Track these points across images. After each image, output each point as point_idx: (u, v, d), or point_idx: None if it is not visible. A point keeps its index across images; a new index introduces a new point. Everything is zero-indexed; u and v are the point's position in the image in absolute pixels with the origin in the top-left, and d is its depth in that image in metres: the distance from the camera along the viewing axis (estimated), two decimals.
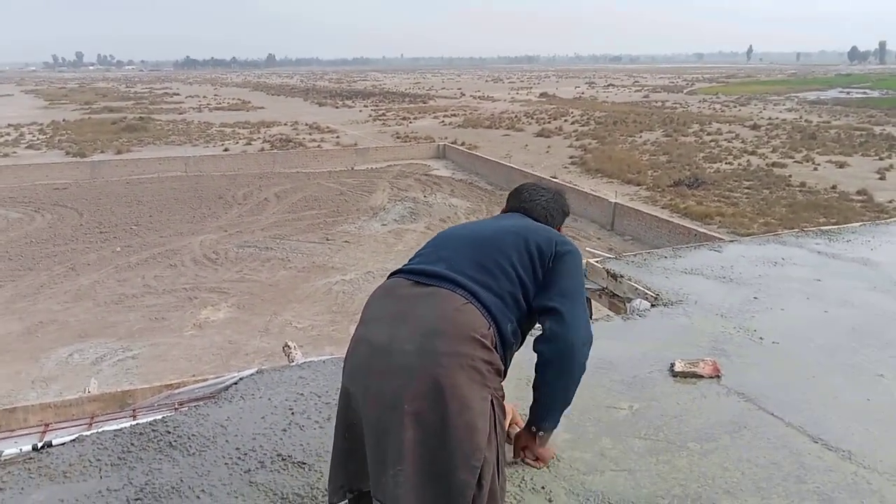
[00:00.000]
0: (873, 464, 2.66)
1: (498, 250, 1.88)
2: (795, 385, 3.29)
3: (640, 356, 3.62)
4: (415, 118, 53.29)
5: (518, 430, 2.47)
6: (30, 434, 3.06)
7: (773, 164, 29.54)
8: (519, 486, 2.55)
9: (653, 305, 4.41)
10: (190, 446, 2.82)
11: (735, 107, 58.83)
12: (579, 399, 3.18)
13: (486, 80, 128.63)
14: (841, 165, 29.38)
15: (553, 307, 1.88)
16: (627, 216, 20.74)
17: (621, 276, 4.89)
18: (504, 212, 2.28)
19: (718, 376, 3.35)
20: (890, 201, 22.54)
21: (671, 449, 2.76)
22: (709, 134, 39.74)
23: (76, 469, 2.67)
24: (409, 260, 1.97)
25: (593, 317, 5.18)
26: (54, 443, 2.84)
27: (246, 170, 31.04)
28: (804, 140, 36.37)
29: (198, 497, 2.50)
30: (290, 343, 4.01)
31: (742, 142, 36.42)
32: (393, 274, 1.91)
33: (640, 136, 39.72)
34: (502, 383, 1.80)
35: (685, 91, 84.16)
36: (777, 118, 47.58)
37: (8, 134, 43.58)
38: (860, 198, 23.29)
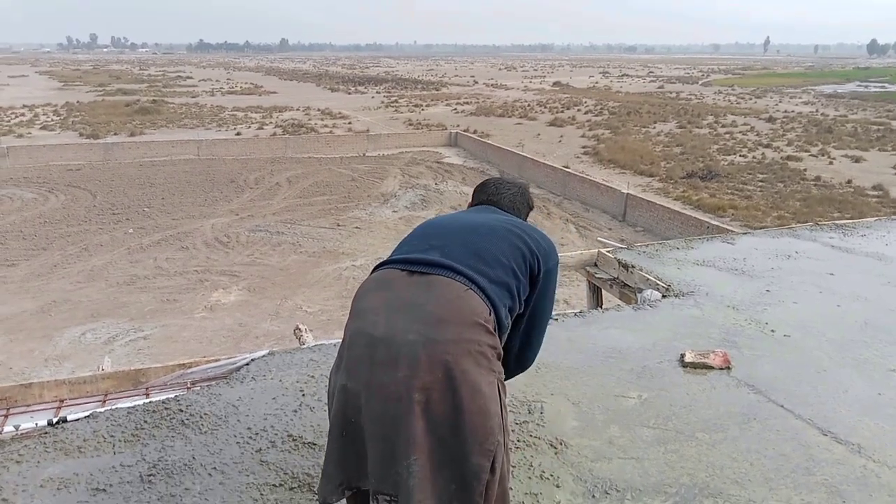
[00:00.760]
0: (883, 458, 2.66)
1: (492, 241, 1.87)
2: (806, 378, 3.29)
3: (650, 346, 3.62)
4: (427, 105, 53.14)
5: None
6: (45, 409, 3.10)
7: (788, 158, 29.28)
8: (527, 472, 2.57)
9: (664, 296, 4.40)
10: (202, 425, 2.86)
11: (751, 99, 58.26)
12: (588, 387, 3.20)
13: (500, 68, 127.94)
14: (857, 160, 29.08)
15: (529, 340, 2.07)
16: (639, 207, 20.65)
17: (632, 267, 4.88)
18: (471, 206, 2.27)
19: (728, 368, 3.34)
20: None
21: (680, 438, 2.77)
22: (723, 126, 39.40)
23: (90, 444, 2.71)
24: (395, 250, 1.91)
25: (603, 306, 5.19)
26: (69, 418, 2.88)
27: (258, 154, 31.09)
28: (820, 134, 36.00)
29: (209, 474, 2.53)
30: (300, 326, 4.04)
31: (757, 134, 36.09)
32: (381, 265, 1.87)
33: (654, 127, 39.44)
34: None
35: (700, 82, 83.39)
36: (793, 111, 47.09)
37: (23, 115, 43.84)
38: (876, 193, 23.06)
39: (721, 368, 3.33)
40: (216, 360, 3.40)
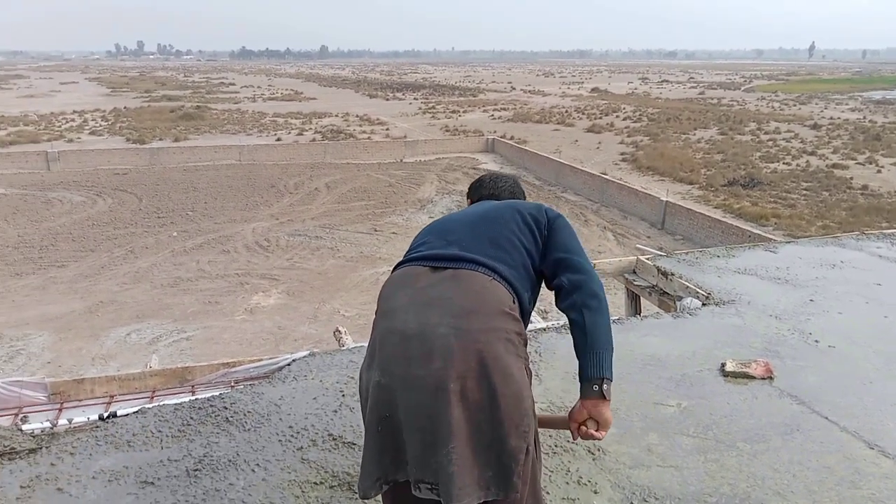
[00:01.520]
0: None
1: (501, 226, 1.94)
2: (851, 389, 3.22)
3: (689, 354, 3.59)
4: (464, 111, 53.28)
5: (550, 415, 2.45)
6: (96, 404, 3.22)
7: (834, 166, 28.54)
8: (564, 478, 2.57)
9: (704, 304, 4.35)
10: (245, 422, 2.93)
11: (795, 105, 56.98)
12: (626, 394, 3.19)
13: (538, 74, 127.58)
14: None
15: (566, 259, 1.94)
16: (679, 215, 20.36)
17: (672, 274, 4.83)
18: (472, 203, 2.32)
19: (771, 378, 3.29)
20: None
21: (720, 448, 2.74)
22: (766, 133, 38.62)
23: (139, 439, 2.81)
24: (411, 250, 1.97)
25: (641, 313, 5.15)
26: (119, 413, 2.99)
27: (297, 160, 31.57)
28: (868, 141, 35.00)
29: (253, 471, 2.60)
30: (340, 328, 4.10)
31: (801, 142, 35.28)
32: (402, 263, 1.92)
33: (694, 134, 38.86)
34: None
35: (743, 88, 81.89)
36: (839, 118, 45.90)
37: (73, 120, 45.32)
38: None
39: (763, 378, 3.28)
40: (259, 360, 3.48)
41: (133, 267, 16.63)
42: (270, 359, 3.42)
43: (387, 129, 41.77)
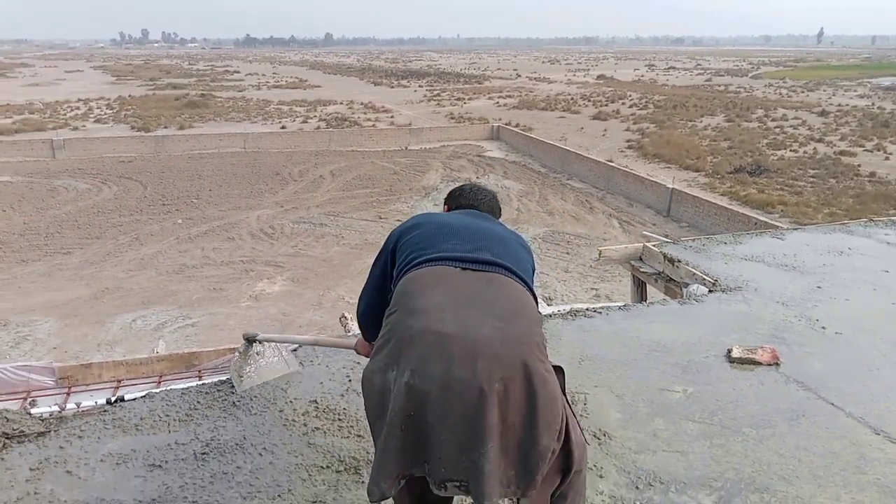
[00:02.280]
0: None
1: (514, 245, 1.96)
2: (858, 376, 3.21)
3: (695, 341, 3.58)
4: (469, 99, 53.07)
5: None
6: (104, 389, 3.24)
7: (842, 153, 28.37)
8: None
9: (710, 291, 4.34)
10: (252, 407, 2.94)
11: (803, 92, 56.57)
12: (632, 380, 3.19)
13: (543, 61, 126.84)
14: None
15: None
16: (685, 202, 20.29)
17: (678, 261, 4.82)
18: (450, 210, 2.29)
19: (777, 364, 3.29)
20: None
21: (726, 433, 2.74)
22: (773, 120, 38.37)
23: (147, 423, 2.82)
24: (421, 249, 1.89)
25: (647, 299, 5.14)
26: (126, 397, 3.00)
27: (302, 147, 31.53)
28: (876, 128, 34.75)
29: (260, 454, 2.61)
30: (346, 314, 4.10)
31: (809, 129, 35.05)
32: (426, 262, 1.84)
33: (701, 121, 38.64)
34: None
35: (750, 75, 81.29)
36: (847, 105, 45.56)
37: (78, 108, 45.33)
38: None
39: (769, 364, 3.28)
40: None
41: (138, 254, 16.69)
42: None
43: (391, 117, 41.67)
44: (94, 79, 76.89)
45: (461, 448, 1.60)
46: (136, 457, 2.60)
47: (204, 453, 2.61)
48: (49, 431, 2.77)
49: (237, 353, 2.86)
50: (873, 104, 46.08)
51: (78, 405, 2.98)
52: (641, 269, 5.09)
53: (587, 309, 4.04)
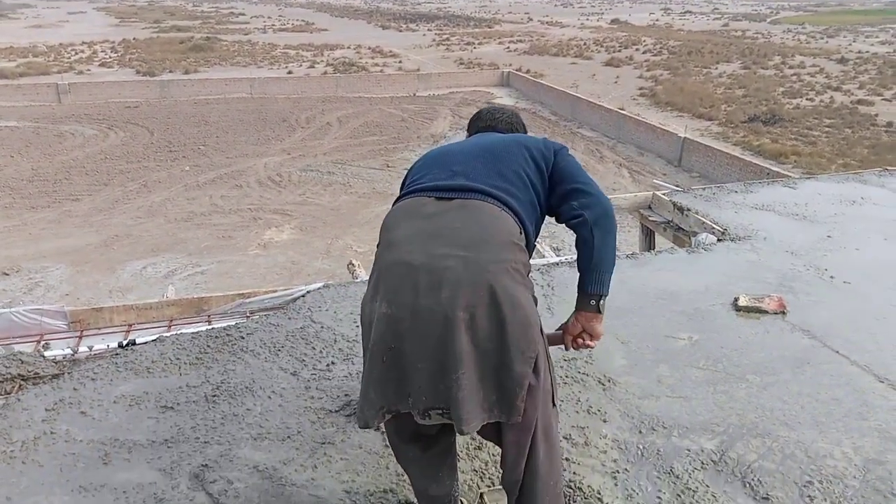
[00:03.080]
0: None
1: (508, 159, 1.93)
2: (864, 325, 3.21)
3: (702, 289, 3.58)
4: (479, 44, 51.97)
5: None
6: (115, 332, 3.29)
7: (859, 102, 27.76)
8: (574, 407, 2.61)
9: (719, 240, 4.32)
10: (260, 352, 2.98)
11: (822, 38, 55.02)
12: (637, 327, 3.20)
13: (556, 5, 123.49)
14: None
15: (576, 187, 1.94)
16: (696, 152, 20.02)
17: (688, 210, 4.78)
18: (470, 135, 2.28)
19: (784, 312, 3.29)
20: None
21: (729, 380, 2.77)
22: (790, 67, 37.47)
23: (158, 366, 2.87)
24: (415, 179, 1.95)
25: (655, 248, 5.13)
26: (138, 341, 3.05)
27: (309, 93, 31.13)
28: None
29: (269, 397, 2.66)
30: (353, 261, 4.12)
31: (826, 76, 34.24)
32: (407, 193, 1.90)
33: (716, 68, 37.78)
34: None
35: (769, 20, 79.02)
36: (868, 51, 44.34)
37: (82, 51, 44.73)
38: None
39: (776, 313, 3.28)
40: (273, 292, 3.52)
41: (147, 201, 16.71)
42: (285, 290, 3.46)
43: (399, 62, 40.93)
44: (98, 21, 75.62)
45: (433, 375, 1.64)
46: (149, 399, 2.65)
47: (214, 395, 2.67)
48: (63, 374, 2.83)
49: None
50: (895, 51, 44.83)
51: (90, 348, 3.03)
52: (650, 218, 5.06)
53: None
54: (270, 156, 20.77)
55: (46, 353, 3.05)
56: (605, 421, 2.52)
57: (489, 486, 2.18)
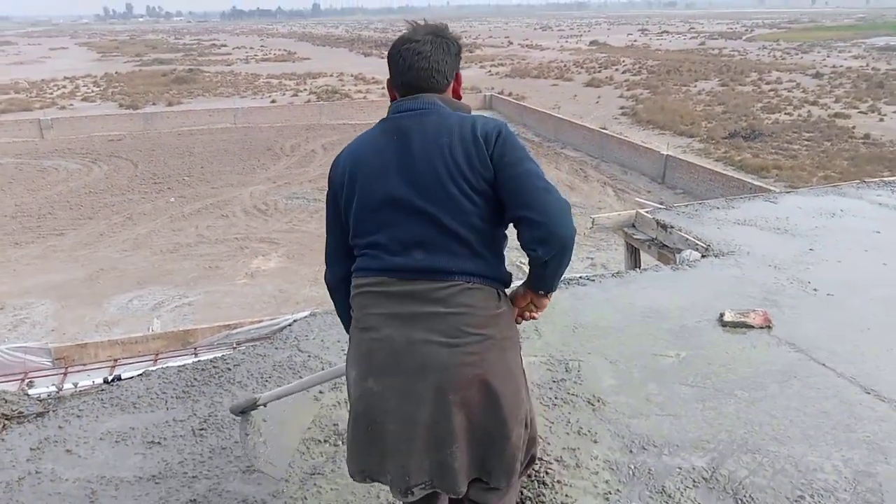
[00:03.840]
0: None
1: (442, 191, 1.63)
2: (849, 337, 3.24)
3: (688, 306, 3.60)
4: (461, 68, 52.45)
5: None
6: (100, 368, 3.25)
7: (836, 115, 28.27)
8: (565, 428, 2.61)
9: (703, 256, 4.35)
10: (248, 383, 2.96)
11: (797, 54, 56.14)
12: (625, 346, 3.21)
13: (535, 28, 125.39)
14: None
15: (525, 216, 1.62)
16: (679, 169, 20.26)
17: (671, 227, 4.83)
18: (396, 89, 1.85)
19: (769, 327, 3.31)
20: None
21: (718, 396, 2.77)
22: (767, 83, 38.14)
23: (144, 401, 2.84)
24: (359, 242, 1.71)
25: (641, 266, 5.16)
26: (123, 376, 3.01)
27: (293, 121, 31.25)
28: (870, 89, 34.59)
29: (258, 428, 2.63)
30: None
31: (803, 91, 34.88)
32: (365, 270, 1.69)
33: (695, 86, 38.38)
34: None
35: (744, 38, 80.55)
36: (842, 66, 45.26)
37: (64, 86, 44.72)
38: None
39: (761, 327, 3.30)
40: (259, 322, 3.50)
41: (132, 233, 16.63)
42: (271, 319, 3.44)
43: (383, 88, 41.23)
44: (80, 56, 75.73)
45: (421, 453, 1.62)
46: (135, 434, 2.62)
47: (202, 429, 2.64)
48: (48, 412, 2.79)
49: (239, 426, 2.61)
50: (867, 65, 45.80)
51: (75, 385, 2.99)
52: (635, 236, 5.10)
53: (580, 277, 4.05)
54: (256, 184, 20.78)
55: (31, 392, 3.01)
56: (595, 442, 2.52)
57: None
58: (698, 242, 4.51)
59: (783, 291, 3.75)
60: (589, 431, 2.57)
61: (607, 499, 2.23)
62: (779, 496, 2.21)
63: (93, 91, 42.28)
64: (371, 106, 33.48)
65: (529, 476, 2.31)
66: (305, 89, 41.69)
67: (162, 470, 2.41)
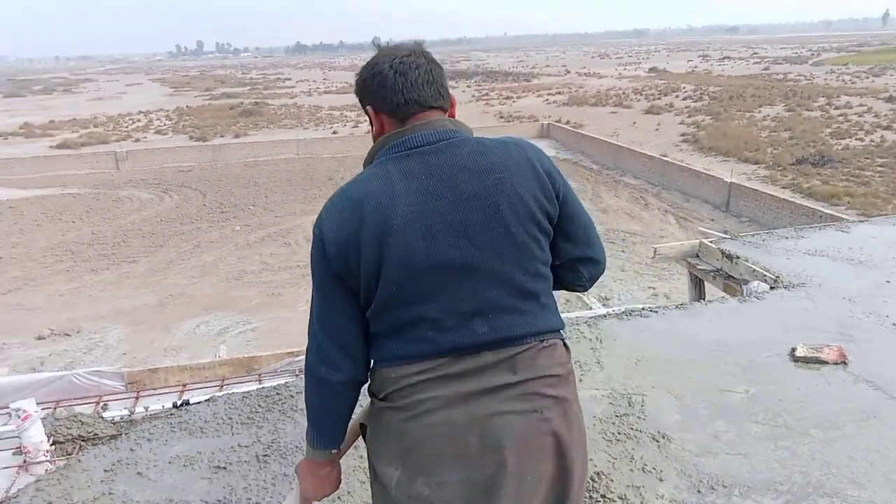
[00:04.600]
0: None
1: (509, 239, 1.40)
2: None
3: (757, 340, 3.48)
4: (518, 97, 52.81)
5: None
6: (170, 392, 3.36)
7: None
8: (629, 465, 2.54)
9: (772, 288, 4.21)
10: None
11: (868, 77, 54.16)
12: (691, 381, 3.12)
13: (592, 56, 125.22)
14: None
15: (590, 256, 1.55)
16: (744, 197, 19.70)
17: (737, 258, 4.69)
18: (390, 113, 1.52)
19: (844, 362, 3.17)
20: None
21: (791, 435, 2.66)
22: (837, 108, 36.88)
23: (211, 426, 2.92)
24: (394, 318, 1.39)
25: (705, 297, 5.03)
26: (191, 401, 3.11)
27: (353, 152, 31.95)
28: None
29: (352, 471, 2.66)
30: None
31: (875, 116, 33.55)
32: (405, 359, 1.40)
33: (759, 112, 37.45)
34: None
35: (810, 62, 78.35)
36: None
37: (139, 120, 47.07)
38: None
39: (836, 363, 3.16)
40: None
41: (200, 261, 17.22)
42: None
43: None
44: (154, 91, 79.70)
45: None
46: (202, 458, 2.69)
47: (265, 455, 2.69)
48: (120, 434, 2.89)
49: None
50: None
51: (146, 409, 3.10)
52: (699, 267, 4.98)
53: (643, 308, 3.97)
54: (317, 214, 21.25)
55: (105, 414, 3.13)
56: (661, 480, 2.44)
57: None
58: (766, 273, 4.36)
59: (859, 325, 3.58)
60: (654, 469, 2.50)
61: None
62: None
63: (165, 124, 44.36)
64: None
65: None
66: (366, 120, 42.57)
67: (227, 495, 2.46)
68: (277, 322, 13.36)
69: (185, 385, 3.35)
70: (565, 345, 1.50)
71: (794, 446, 2.58)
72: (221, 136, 37.35)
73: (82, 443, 2.80)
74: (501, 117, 41.11)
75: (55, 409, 3.18)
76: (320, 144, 33.00)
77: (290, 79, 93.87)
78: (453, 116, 1.55)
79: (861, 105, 37.09)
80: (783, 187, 21.30)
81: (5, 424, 3.10)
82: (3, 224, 21.39)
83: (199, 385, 3.39)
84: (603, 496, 2.33)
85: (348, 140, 33.90)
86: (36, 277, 16.49)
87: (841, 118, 33.40)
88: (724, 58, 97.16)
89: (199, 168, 29.75)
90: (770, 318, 3.74)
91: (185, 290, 15.25)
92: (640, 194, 22.23)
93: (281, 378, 3.38)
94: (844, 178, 22.02)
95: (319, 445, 1.56)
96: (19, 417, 2.70)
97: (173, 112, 51.00)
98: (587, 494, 2.34)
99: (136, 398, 3.32)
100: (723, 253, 4.82)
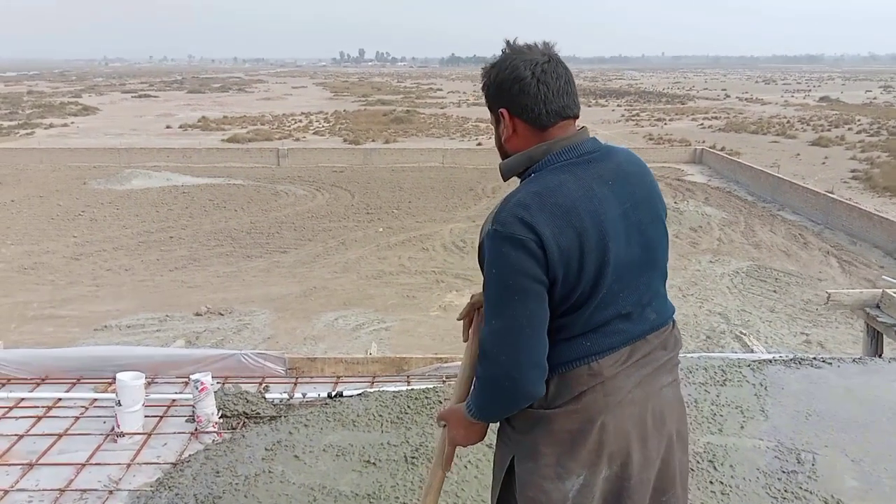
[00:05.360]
0: None
1: (664, 236, 1.66)
2: None
3: None
4: (670, 119, 50.91)
5: None
6: (325, 382, 3.53)
7: None
8: None
9: None
10: None
11: None
12: (871, 445, 2.83)
13: (756, 81, 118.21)
14: None
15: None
16: None
17: None
18: (534, 121, 1.60)
19: None
20: None
21: None
22: None
23: (362, 420, 3.03)
24: (591, 317, 1.50)
25: (882, 353, 4.55)
26: (345, 393, 3.24)
27: (495, 164, 31.95)
28: None
29: (465, 467, 2.68)
30: None
31: None
32: (599, 354, 1.52)
33: None
34: None
35: None
36: None
37: (300, 121, 50.36)
38: None
39: None
40: None
41: (343, 258, 18.06)
42: None
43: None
44: (316, 94, 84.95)
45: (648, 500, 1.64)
46: (353, 451, 2.79)
47: (413, 457, 2.74)
48: (280, 416, 3.07)
49: None
50: None
51: (304, 395, 3.27)
52: (879, 319, 4.51)
53: (814, 358, 3.66)
54: (456, 222, 21.64)
55: (267, 396, 3.34)
56: None
57: None
58: None
59: None
60: None
61: None
62: None
63: (323, 126, 47.14)
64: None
65: None
66: None
67: (376, 490, 2.54)
68: (410, 324, 13.70)
69: (339, 377, 3.50)
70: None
71: None
72: (373, 141, 39.07)
73: (246, 419, 3.00)
74: (651, 139, 39.81)
75: (223, 384, 3.43)
76: (465, 155, 33.61)
77: (441, 89, 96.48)
78: None
79: None
80: None
81: (181, 392, 3.40)
82: (177, 207, 23.63)
83: (352, 378, 3.53)
84: None
85: (493, 153, 33.76)
86: (199, 258, 18.02)
87: None
88: None
89: (351, 169, 31.27)
90: None
91: (327, 284, 16.04)
92: (799, 231, 20.62)
93: (429, 382, 3.45)
94: None
95: (482, 420, 1.77)
96: (197, 389, 2.95)
97: (331, 115, 54.07)
98: None
99: (295, 384, 3.51)
100: None
